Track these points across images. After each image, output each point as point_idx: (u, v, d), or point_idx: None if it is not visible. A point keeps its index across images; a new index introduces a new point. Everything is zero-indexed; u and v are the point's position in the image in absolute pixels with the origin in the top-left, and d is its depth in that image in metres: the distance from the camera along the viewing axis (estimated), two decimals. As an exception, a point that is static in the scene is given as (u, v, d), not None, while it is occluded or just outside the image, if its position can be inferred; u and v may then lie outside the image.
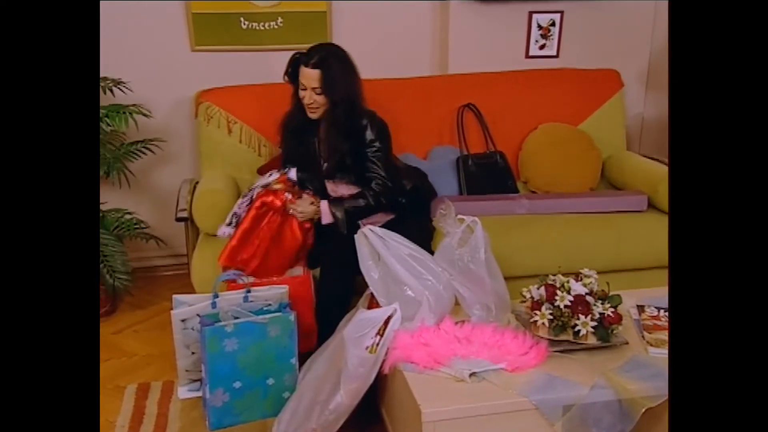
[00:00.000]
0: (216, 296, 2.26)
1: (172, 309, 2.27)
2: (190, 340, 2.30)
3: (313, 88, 2.41)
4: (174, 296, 2.29)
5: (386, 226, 2.44)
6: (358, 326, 1.96)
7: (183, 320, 2.26)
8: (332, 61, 2.41)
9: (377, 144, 2.49)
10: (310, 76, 2.40)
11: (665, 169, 2.95)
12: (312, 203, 2.45)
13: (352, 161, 2.49)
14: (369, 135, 2.48)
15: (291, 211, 2.41)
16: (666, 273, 2.87)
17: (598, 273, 1.99)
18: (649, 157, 3.18)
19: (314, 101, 2.43)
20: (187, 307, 2.26)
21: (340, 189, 2.55)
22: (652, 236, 2.73)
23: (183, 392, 2.40)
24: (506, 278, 2.17)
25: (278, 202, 2.39)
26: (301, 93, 2.46)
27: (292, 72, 2.47)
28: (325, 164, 2.57)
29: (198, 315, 2.24)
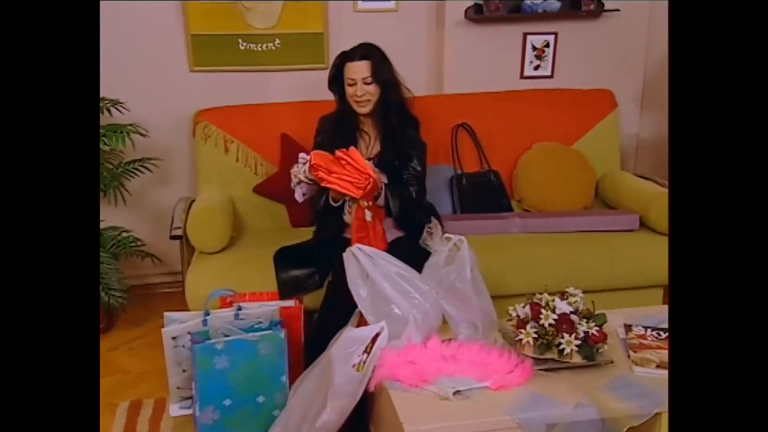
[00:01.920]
0: (207, 314, 2.27)
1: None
2: (181, 358, 2.31)
3: (363, 79, 2.49)
4: (165, 313, 2.31)
5: (392, 243, 2.49)
6: (346, 344, 1.97)
7: (174, 338, 2.27)
8: (377, 53, 2.54)
9: (420, 144, 2.57)
10: (358, 68, 2.49)
11: (658, 188, 2.97)
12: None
13: (398, 145, 2.54)
14: (414, 133, 2.58)
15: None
16: (657, 292, 2.90)
17: (591, 292, 2.00)
18: (642, 177, 3.19)
19: (365, 92, 2.50)
20: (178, 324, 2.28)
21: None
22: (644, 256, 2.74)
23: (175, 410, 2.41)
24: (499, 297, 2.18)
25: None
26: (350, 90, 2.53)
27: (337, 72, 2.55)
28: (373, 146, 2.61)
29: (189, 332, 2.25)
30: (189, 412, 2.38)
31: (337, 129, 2.61)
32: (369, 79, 2.49)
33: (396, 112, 2.56)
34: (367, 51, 2.53)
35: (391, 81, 2.55)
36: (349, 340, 1.98)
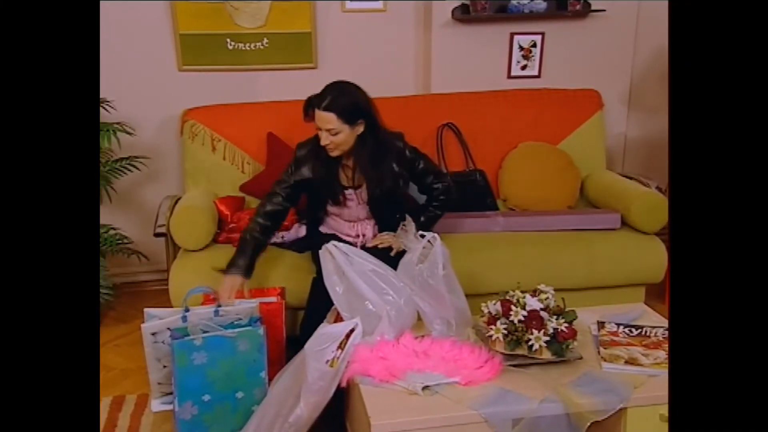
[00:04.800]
0: (187, 310, 2.29)
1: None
2: (161, 354, 2.33)
3: (328, 130, 2.37)
4: (145, 310, 2.33)
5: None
6: (320, 340, 1.99)
7: (153, 334, 2.29)
8: (343, 98, 2.39)
9: (420, 160, 2.59)
10: (322, 118, 2.37)
11: (640, 188, 2.98)
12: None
13: (382, 185, 2.50)
14: (408, 155, 2.56)
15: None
16: (638, 290, 2.89)
17: (572, 290, 2.00)
18: (626, 176, 3.20)
19: (330, 142, 2.39)
20: (157, 320, 2.30)
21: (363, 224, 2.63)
22: (625, 255, 2.76)
23: (156, 405, 2.43)
24: (480, 295, 2.19)
25: None
26: (318, 133, 2.42)
27: (310, 112, 2.42)
28: (364, 191, 2.55)
29: (168, 329, 2.27)
30: (170, 407, 2.40)
31: (315, 160, 2.51)
32: (334, 131, 2.37)
33: (377, 154, 2.48)
34: (333, 100, 2.36)
35: (366, 119, 2.43)
36: (322, 337, 2.00)
